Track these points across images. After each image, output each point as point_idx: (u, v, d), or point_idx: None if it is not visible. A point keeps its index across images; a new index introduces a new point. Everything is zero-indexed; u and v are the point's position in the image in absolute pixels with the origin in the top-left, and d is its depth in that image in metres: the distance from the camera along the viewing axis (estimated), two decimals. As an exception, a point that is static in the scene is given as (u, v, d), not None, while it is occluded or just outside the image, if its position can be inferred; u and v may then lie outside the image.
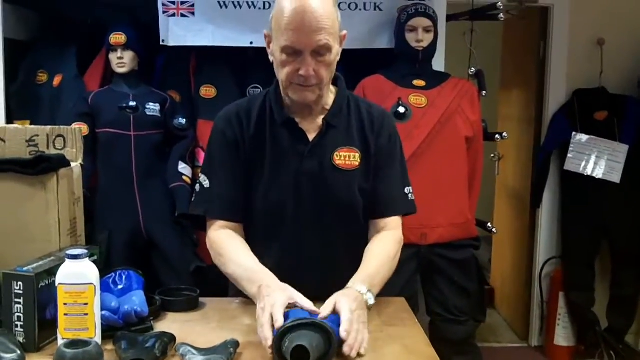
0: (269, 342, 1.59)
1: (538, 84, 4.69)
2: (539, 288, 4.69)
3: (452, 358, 3.31)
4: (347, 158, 2.00)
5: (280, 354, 1.56)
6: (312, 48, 1.84)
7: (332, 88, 2.07)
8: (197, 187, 2.06)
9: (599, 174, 4.19)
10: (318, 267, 2.03)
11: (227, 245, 1.99)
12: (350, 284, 1.84)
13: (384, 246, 2.02)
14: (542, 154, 4.55)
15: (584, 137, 4.26)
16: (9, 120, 3.56)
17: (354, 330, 1.64)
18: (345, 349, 1.60)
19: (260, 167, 2.01)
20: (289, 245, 2.03)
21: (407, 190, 2.09)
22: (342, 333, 1.61)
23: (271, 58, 1.97)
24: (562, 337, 4.55)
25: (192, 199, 2.09)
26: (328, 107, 2.03)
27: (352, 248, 2.03)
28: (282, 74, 1.93)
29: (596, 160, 4.21)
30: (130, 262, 2.64)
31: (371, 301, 1.81)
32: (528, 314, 4.87)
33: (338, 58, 1.96)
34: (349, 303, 1.68)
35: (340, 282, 1.90)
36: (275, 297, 1.69)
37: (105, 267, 2.00)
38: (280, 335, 1.58)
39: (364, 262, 1.95)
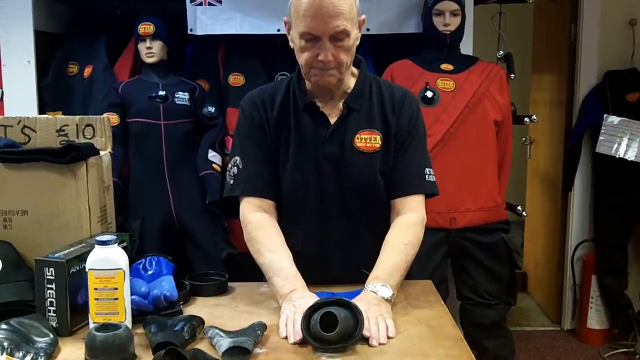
0: (298, 337, 1.63)
1: (569, 67, 4.64)
2: (571, 271, 4.66)
3: (483, 342, 3.32)
4: (368, 140, 2.01)
5: (308, 330, 1.59)
6: (330, 33, 1.86)
7: (354, 71, 2.08)
8: (234, 170, 2.07)
9: (631, 156, 4.14)
10: (342, 249, 2.07)
11: (265, 233, 2.00)
12: (365, 285, 1.86)
13: (398, 233, 2.00)
14: (573, 136, 4.51)
15: (615, 119, 4.21)
16: (42, 112, 3.61)
17: (371, 324, 1.67)
18: (371, 342, 1.64)
19: (285, 151, 2.04)
20: (313, 227, 2.06)
21: (426, 170, 2.07)
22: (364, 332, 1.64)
23: (291, 44, 1.99)
24: (595, 320, 4.52)
25: (230, 182, 2.09)
26: (349, 91, 2.04)
27: (375, 230, 2.04)
28: (301, 59, 1.95)
29: (628, 142, 4.16)
30: (163, 250, 2.66)
31: (387, 294, 1.83)
32: (561, 297, 4.85)
33: (357, 42, 1.97)
34: (361, 306, 1.68)
35: (363, 264, 1.94)
36: (308, 302, 1.70)
37: (137, 256, 2.05)
38: (308, 312, 1.61)
39: (379, 256, 1.95)
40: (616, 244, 4.37)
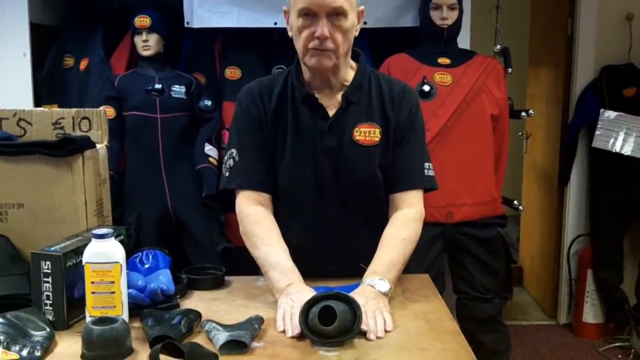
0: (297, 331, 1.62)
1: (566, 62, 4.63)
2: (567, 266, 4.66)
3: (479, 336, 3.31)
4: (367, 134, 2.00)
5: (307, 324, 1.59)
6: (327, 10, 1.86)
7: (353, 64, 2.07)
8: (230, 162, 2.05)
9: (627, 150, 4.14)
10: (339, 243, 2.06)
11: (261, 227, 1.99)
12: (363, 279, 1.86)
13: (396, 228, 2.00)
14: (570, 131, 4.52)
15: (612, 114, 4.21)
16: (38, 104, 3.60)
17: (369, 318, 1.66)
18: (369, 336, 1.63)
19: (282, 144, 2.03)
20: (310, 221, 2.05)
21: (426, 165, 2.07)
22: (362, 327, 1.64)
23: (290, 33, 1.98)
24: (591, 314, 4.53)
25: (225, 175, 2.07)
26: (348, 83, 2.03)
27: (373, 224, 2.04)
28: (299, 41, 1.94)
29: (625, 137, 4.16)
30: (159, 244, 2.66)
31: (385, 288, 1.82)
32: (556, 292, 4.86)
33: (356, 34, 1.97)
34: (359, 299, 1.67)
35: (360, 259, 1.93)
36: (305, 296, 1.70)
37: (134, 249, 2.04)
38: (306, 306, 1.61)
39: (377, 250, 1.95)
40: (612, 238, 4.37)
